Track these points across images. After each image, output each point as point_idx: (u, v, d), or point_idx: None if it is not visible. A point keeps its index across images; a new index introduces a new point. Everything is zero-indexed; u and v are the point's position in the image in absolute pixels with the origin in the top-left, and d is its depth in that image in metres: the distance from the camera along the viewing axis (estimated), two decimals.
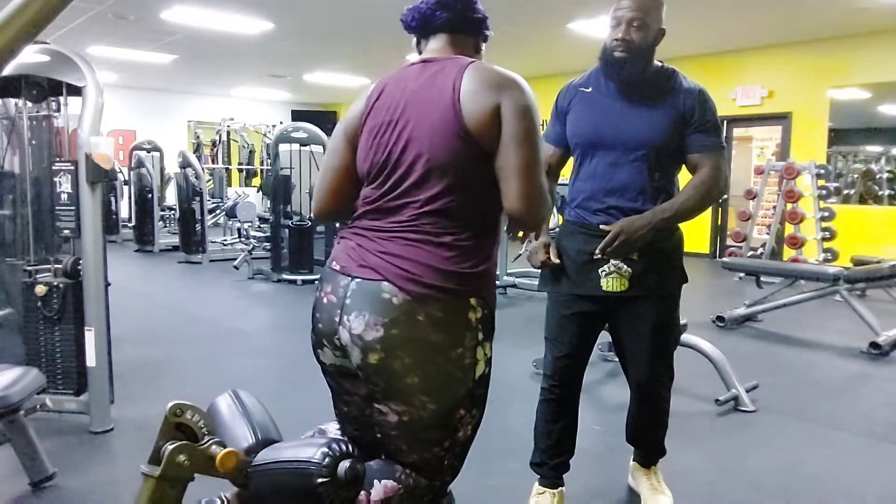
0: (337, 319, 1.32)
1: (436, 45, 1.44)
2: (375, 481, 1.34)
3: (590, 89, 2.00)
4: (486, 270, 1.36)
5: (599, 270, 1.93)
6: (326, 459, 1.28)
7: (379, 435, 1.41)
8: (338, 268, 1.36)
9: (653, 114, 1.91)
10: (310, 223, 6.99)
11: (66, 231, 2.74)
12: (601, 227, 1.91)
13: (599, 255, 1.90)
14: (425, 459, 1.38)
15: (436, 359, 1.29)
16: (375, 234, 1.34)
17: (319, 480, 1.26)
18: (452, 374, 1.31)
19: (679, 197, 1.94)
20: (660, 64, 1.97)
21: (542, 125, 1.44)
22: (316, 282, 1.44)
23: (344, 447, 1.32)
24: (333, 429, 1.56)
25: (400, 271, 1.28)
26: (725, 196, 9.16)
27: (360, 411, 1.46)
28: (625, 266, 1.90)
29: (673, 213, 1.90)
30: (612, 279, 1.92)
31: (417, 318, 1.27)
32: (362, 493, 1.32)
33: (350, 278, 1.32)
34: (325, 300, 1.36)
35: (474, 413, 1.40)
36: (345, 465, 1.28)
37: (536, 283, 5.44)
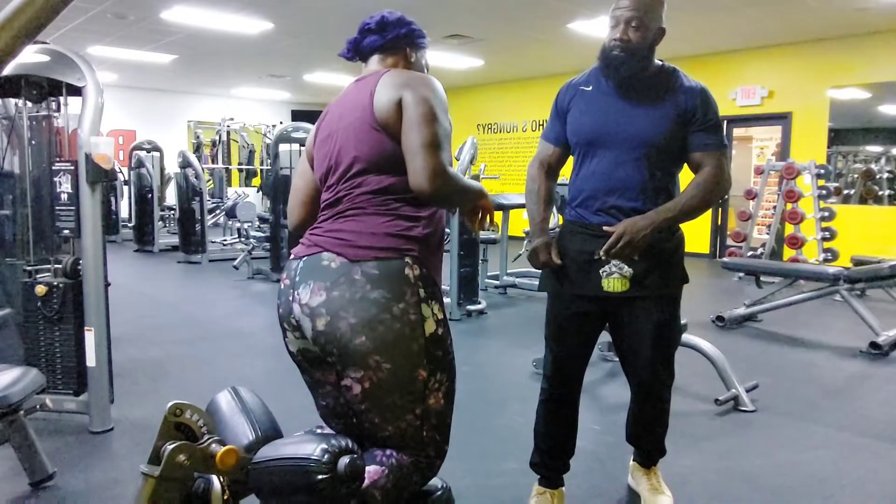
0: (291, 298, 1.44)
1: (370, 66, 1.61)
2: None
3: (590, 88, 2.00)
4: (423, 235, 1.46)
5: (600, 271, 1.92)
6: (326, 456, 1.28)
7: (356, 419, 1.45)
8: (292, 256, 1.52)
9: (654, 113, 1.91)
10: None
11: (66, 231, 2.74)
12: (604, 228, 1.90)
13: (603, 257, 1.90)
14: (401, 430, 1.41)
15: (379, 315, 1.35)
16: (324, 223, 1.49)
17: (319, 477, 1.27)
18: (399, 331, 1.37)
19: (682, 197, 1.93)
20: (661, 63, 1.96)
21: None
22: None
23: (343, 443, 1.32)
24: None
25: (336, 240, 1.41)
26: (725, 196, 9.17)
27: (336, 401, 1.50)
28: (626, 266, 1.90)
29: (676, 212, 1.90)
30: (612, 279, 1.91)
31: (354, 277, 1.37)
32: None
33: (299, 259, 1.47)
34: (282, 286, 1.50)
35: (440, 378, 1.43)
36: (344, 461, 1.29)
37: (536, 283, 5.45)
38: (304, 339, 1.44)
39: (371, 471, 1.37)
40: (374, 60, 1.60)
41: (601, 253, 1.89)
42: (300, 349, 1.49)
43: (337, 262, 1.38)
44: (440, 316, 1.44)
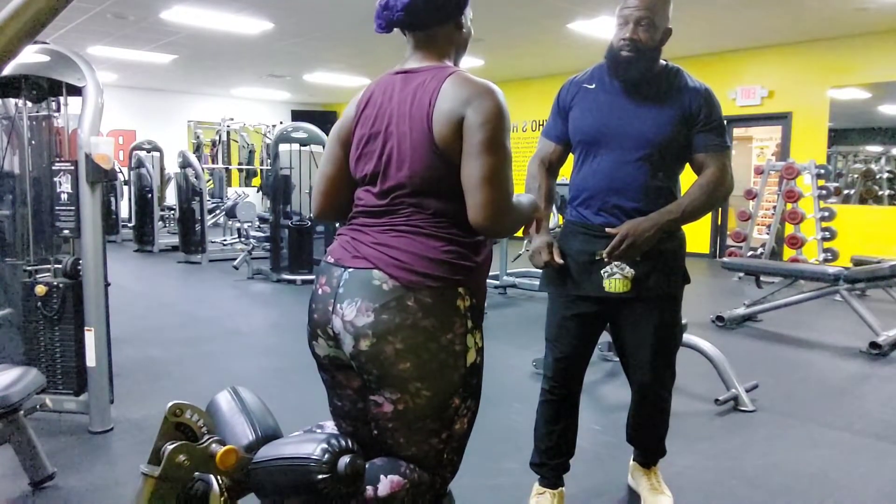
0: (331, 309, 1.37)
1: (418, 49, 1.44)
2: (382, 476, 1.35)
3: (593, 86, 1.99)
4: (476, 263, 1.40)
5: (602, 271, 1.92)
6: (326, 455, 1.28)
7: (376, 431, 1.42)
8: (332, 260, 1.42)
9: (657, 113, 1.90)
10: (309, 223, 7.00)
11: (66, 231, 2.74)
12: (606, 230, 1.89)
13: (606, 258, 1.89)
14: (423, 452, 1.39)
15: (427, 344, 1.32)
16: (370, 229, 1.40)
17: (319, 477, 1.26)
18: (444, 360, 1.34)
19: (685, 198, 1.93)
20: (665, 63, 1.96)
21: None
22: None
23: (344, 443, 1.32)
24: (330, 426, 1.56)
25: (390, 260, 1.33)
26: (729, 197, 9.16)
27: (353, 405, 1.48)
28: (627, 267, 1.89)
29: (679, 214, 1.89)
30: (614, 280, 1.91)
31: (407, 303, 1.31)
32: (369, 488, 1.32)
33: (343, 269, 1.38)
34: (320, 291, 1.41)
35: (469, 404, 1.41)
36: (345, 460, 1.28)
37: (536, 283, 5.45)
38: (339, 350, 1.40)
39: (394, 481, 1.35)
40: (422, 43, 1.43)
41: (604, 255, 1.88)
42: (329, 356, 1.45)
43: (389, 285, 1.31)
44: (480, 345, 1.42)
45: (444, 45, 1.43)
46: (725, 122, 1.98)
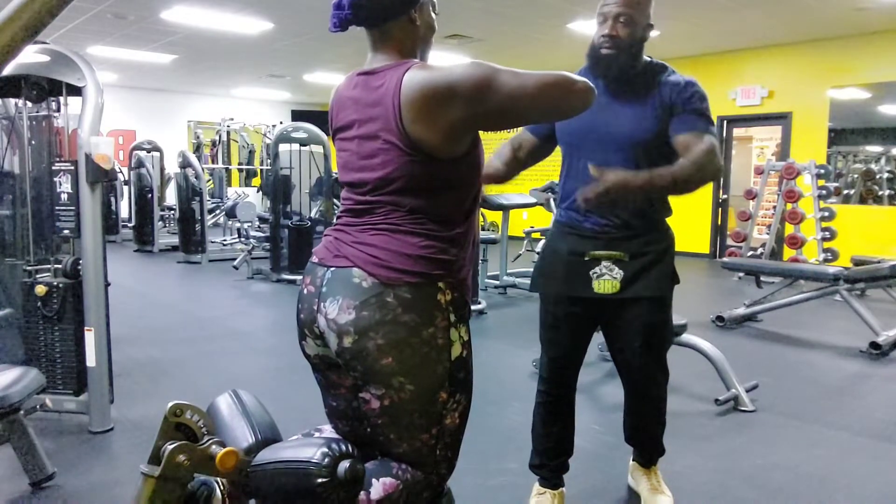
0: (315, 308, 1.39)
1: (376, 48, 1.42)
2: (374, 480, 1.35)
3: None
4: (456, 256, 1.40)
5: (591, 272, 1.92)
6: (326, 459, 1.28)
7: (368, 429, 1.43)
8: (316, 260, 1.45)
9: (640, 111, 1.88)
10: (309, 223, 7.00)
11: (66, 231, 2.74)
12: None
13: (580, 202, 1.71)
14: (415, 448, 1.39)
15: (408, 339, 1.32)
16: (351, 228, 1.42)
17: (319, 480, 1.26)
18: (426, 354, 1.34)
19: (674, 166, 1.78)
20: (649, 59, 1.94)
21: None
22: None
23: (343, 447, 1.32)
24: (329, 430, 1.56)
25: (369, 258, 1.35)
26: (725, 196, 9.17)
27: (348, 404, 1.49)
28: (616, 268, 1.90)
29: (670, 180, 1.76)
30: (603, 281, 1.91)
31: (386, 299, 1.32)
32: (362, 493, 1.32)
33: (326, 268, 1.40)
34: (305, 291, 1.44)
35: (459, 398, 1.41)
36: (344, 464, 1.28)
37: None
38: (326, 349, 1.41)
39: (387, 483, 1.36)
40: (379, 44, 1.41)
41: (579, 198, 1.71)
42: (318, 354, 1.46)
43: (369, 282, 1.33)
44: (466, 338, 1.42)
45: (400, 41, 1.41)
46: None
